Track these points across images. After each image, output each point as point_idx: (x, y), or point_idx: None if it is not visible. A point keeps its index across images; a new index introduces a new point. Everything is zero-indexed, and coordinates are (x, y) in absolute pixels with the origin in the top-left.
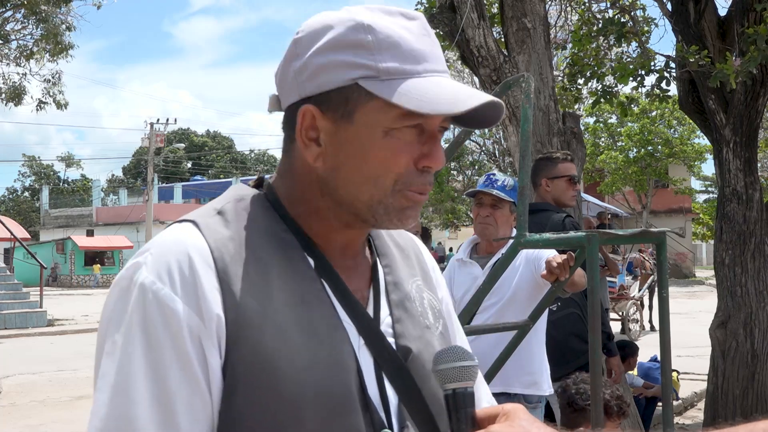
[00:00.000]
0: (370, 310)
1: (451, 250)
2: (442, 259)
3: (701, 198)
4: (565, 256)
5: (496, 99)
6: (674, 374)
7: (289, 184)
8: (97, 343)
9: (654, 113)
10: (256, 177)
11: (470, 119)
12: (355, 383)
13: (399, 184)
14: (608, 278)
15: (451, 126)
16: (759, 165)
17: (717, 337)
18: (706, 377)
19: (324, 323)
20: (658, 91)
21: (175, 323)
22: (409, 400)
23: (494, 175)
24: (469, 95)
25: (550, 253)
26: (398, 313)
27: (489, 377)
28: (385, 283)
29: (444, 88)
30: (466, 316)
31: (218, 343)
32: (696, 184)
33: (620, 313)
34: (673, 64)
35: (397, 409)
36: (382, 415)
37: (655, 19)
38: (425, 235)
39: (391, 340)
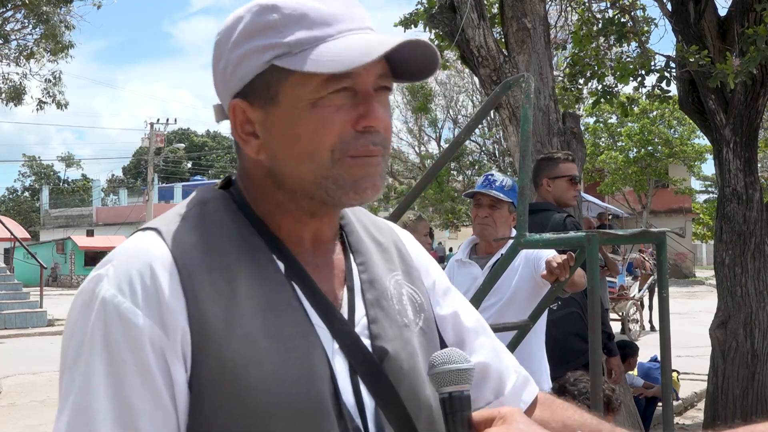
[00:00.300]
0: (345, 312)
1: (451, 250)
2: (442, 259)
3: (701, 198)
4: (565, 256)
5: (416, 39)
6: (674, 374)
7: (248, 185)
8: (60, 359)
9: (654, 113)
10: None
11: (408, 71)
12: (327, 391)
13: (337, 152)
14: (608, 278)
15: (448, 125)
16: (759, 165)
17: (717, 337)
18: (706, 377)
19: (294, 329)
20: (658, 91)
21: (137, 337)
22: (385, 404)
23: (492, 175)
24: (382, 41)
25: (550, 253)
26: (374, 313)
27: None
28: (360, 282)
29: (356, 42)
30: None
31: (183, 355)
32: (696, 184)
33: (620, 314)
34: (673, 64)
35: (374, 414)
36: (358, 421)
37: (655, 19)
38: (430, 236)
39: (366, 341)
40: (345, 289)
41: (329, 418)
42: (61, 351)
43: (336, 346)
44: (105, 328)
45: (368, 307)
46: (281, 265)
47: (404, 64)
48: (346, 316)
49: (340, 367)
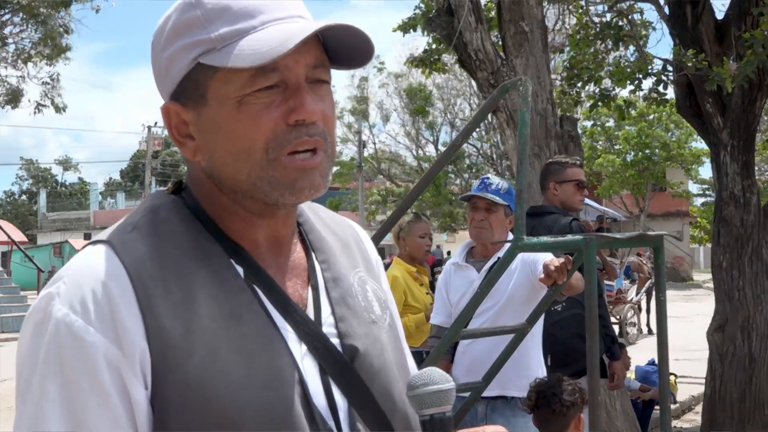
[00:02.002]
0: (311, 312)
1: (449, 253)
2: (440, 263)
3: (699, 201)
4: (562, 259)
5: (339, 23)
6: (672, 378)
7: (196, 188)
8: (15, 385)
9: (651, 117)
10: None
11: (347, 57)
12: (296, 395)
13: (272, 151)
14: (606, 282)
15: (445, 128)
16: (756, 168)
17: (714, 340)
18: (703, 381)
19: (258, 335)
20: (655, 94)
21: (91, 356)
22: (358, 403)
23: (488, 178)
24: (303, 28)
25: (547, 257)
26: (340, 311)
27: (487, 381)
28: (324, 281)
29: (278, 33)
30: (464, 319)
31: (142, 374)
32: (693, 187)
33: (618, 317)
34: (670, 68)
35: (348, 415)
36: (331, 423)
37: (652, 22)
38: (429, 237)
39: (335, 341)
40: (309, 289)
41: (300, 422)
42: (15, 376)
43: (304, 348)
44: (57, 349)
45: (334, 306)
46: (240, 270)
47: (342, 51)
48: (312, 316)
49: (310, 369)
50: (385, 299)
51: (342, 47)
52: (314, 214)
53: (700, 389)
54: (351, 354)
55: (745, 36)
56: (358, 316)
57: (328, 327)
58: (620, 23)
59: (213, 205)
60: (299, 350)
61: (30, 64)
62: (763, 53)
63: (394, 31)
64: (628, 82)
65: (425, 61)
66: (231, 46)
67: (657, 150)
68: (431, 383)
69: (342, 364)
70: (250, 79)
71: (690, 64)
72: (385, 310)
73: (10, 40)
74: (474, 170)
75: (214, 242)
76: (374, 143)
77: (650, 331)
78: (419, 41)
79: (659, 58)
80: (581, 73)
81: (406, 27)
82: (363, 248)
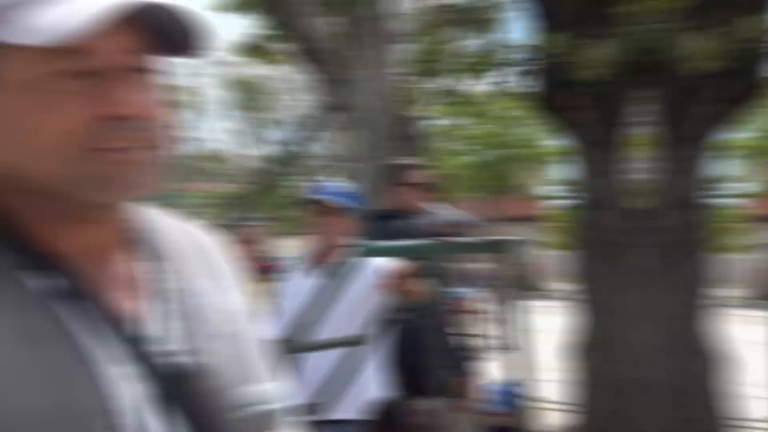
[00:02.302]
0: (142, 328)
1: (288, 259)
2: (275, 269)
3: (555, 204)
4: (405, 266)
5: (160, 2)
6: (529, 401)
7: None
8: None
9: (503, 114)
10: None
11: (174, 44)
12: (107, 427)
13: (81, 147)
14: (454, 290)
15: (283, 126)
16: (622, 168)
17: (576, 359)
18: (564, 406)
19: (62, 361)
20: (504, 88)
21: None
22: (196, 426)
23: (327, 181)
24: (114, 4)
25: (389, 262)
26: (179, 326)
27: (324, 400)
28: (161, 293)
29: (84, 7)
30: (302, 329)
31: None
32: (550, 189)
33: (468, 329)
34: (525, 56)
35: None
36: None
37: (507, 2)
38: (257, 242)
39: (170, 359)
40: (141, 302)
41: None
42: None
43: (126, 370)
44: None
45: (172, 320)
46: (48, 284)
47: (171, 36)
48: (143, 332)
49: (134, 395)
50: (234, 311)
51: (170, 31)
52: (154, 219)
53: (561, 415)
54: (189, 372)
55: (617, 12)
56: (199, 330)
57: (161, 344)
58: (470, 8)
59: (14, 209)
60: (118, 374)
61: None
62: (638, 34)
63: (211, 10)
64: (474, 74)
65: (258, 50)
66: (24, 18)
67: (510, 150)
68: (258, 403)
69: (175, 385)
70: (52, 62)
71: (549, 51)
72: (230, 324)
73: None
74: (314, 173)
75: (13, 253)
76: (199, 140)
77: (503, 347)
78: (248, 27)
79: (512, 46)
80: (427, 69)
81: (228, 6)
82: (211, 258)
